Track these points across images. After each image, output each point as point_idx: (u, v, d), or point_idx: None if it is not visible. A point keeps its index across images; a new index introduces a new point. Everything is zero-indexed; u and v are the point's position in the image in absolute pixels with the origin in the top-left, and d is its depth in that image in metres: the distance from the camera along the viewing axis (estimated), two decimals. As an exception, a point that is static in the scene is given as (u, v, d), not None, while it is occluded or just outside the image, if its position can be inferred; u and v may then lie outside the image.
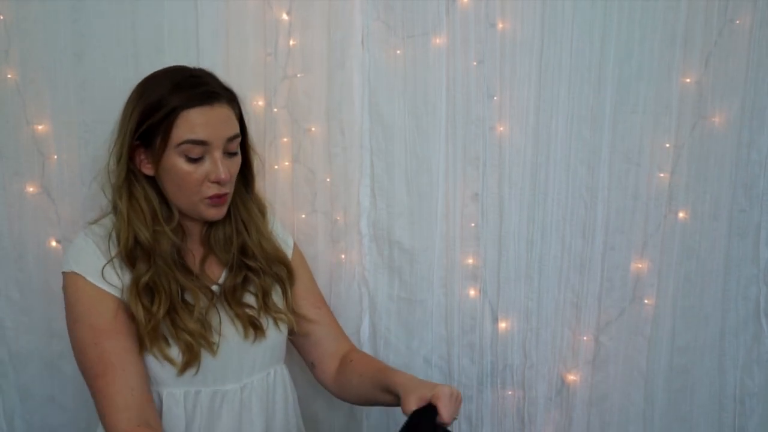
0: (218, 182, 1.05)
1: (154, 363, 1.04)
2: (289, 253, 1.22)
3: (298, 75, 1.31)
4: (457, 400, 0.98)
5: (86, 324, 1.02)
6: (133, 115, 1.04)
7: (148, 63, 1.23)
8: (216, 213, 1.09)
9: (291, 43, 1.30)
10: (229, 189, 1.09)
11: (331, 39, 1.29)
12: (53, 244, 1.30)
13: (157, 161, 1.04)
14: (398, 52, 1.29)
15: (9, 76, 1.24)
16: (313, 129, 1.33)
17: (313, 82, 1.31)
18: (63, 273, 1.05)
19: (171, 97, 1.02)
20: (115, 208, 1.08)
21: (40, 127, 1.27)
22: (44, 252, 1.30)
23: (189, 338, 1.04)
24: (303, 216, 1.36)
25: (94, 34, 1.24)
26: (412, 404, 0.96)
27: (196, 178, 1.04)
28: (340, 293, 1.38)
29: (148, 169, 1.06)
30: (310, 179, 1.35)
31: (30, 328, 1.32)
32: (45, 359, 1.34)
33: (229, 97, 1.08)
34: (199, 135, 1.02)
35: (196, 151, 1.03)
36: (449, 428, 0.97)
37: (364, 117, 1.33)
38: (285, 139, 1.34)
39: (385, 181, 1.34)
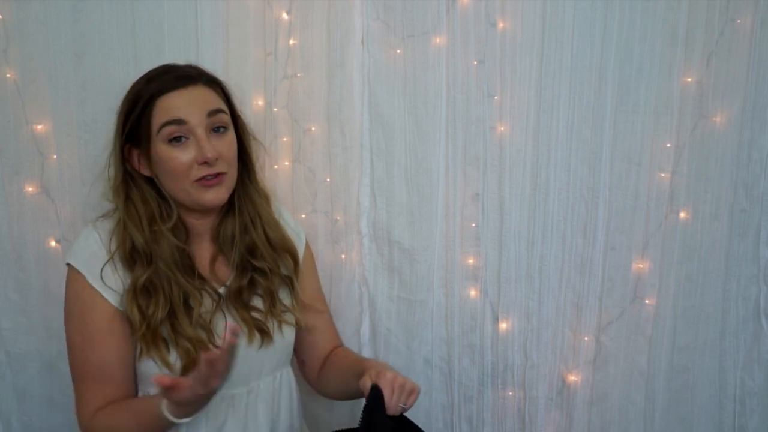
0: (207, 162, 1.03)
1: (154, 368, 1.03)
2: (300, 247, 1.21)
3: (298, 75, 1.31)
4: (403, 389, 0.96)
5: (76, 326, 1.04)
6: (119, 118, 1.07)
7: (148, 63, 1.22)
8: (213, 196, 1.05)
9: (291, 42, 1.30)
10: (223, 169, 1.05)
11: (331, 39, 1.29)
12: (53, 244, 1.30)
13: (147, 156, 1.04)
14: (398, 51, 1.29)
15: (9, 76, 1.24)
16: (313, 129, 1.33)
17: (313, 82, 1.31)
18: (66, 264, 1.06)
19: (145, 88, 1.04)
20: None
21: (39, 127, 1.26)
22: (44, 252, 1.30)
23: (187, 344, 1.02)
24: (303, 216, 1.36)
25: (94, 34, 1.24)
26: (367, 379, 0.98)
27: (183, 162, 1.02)
28: (340, 293, 1.38)
29: (145, 169, 1.06)
30: (310, 179, 1.35)
31: (29, 328, 1.32)
32: (44, 360, 1.33)
33: (208, 79, 1.08)
34: (175, 114, 1.02)
35: (176, 132, 1.02)
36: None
37: (364, 117, 1.33)
38: (285, 139, 1.34)
39: (385, 181, 1.34)
